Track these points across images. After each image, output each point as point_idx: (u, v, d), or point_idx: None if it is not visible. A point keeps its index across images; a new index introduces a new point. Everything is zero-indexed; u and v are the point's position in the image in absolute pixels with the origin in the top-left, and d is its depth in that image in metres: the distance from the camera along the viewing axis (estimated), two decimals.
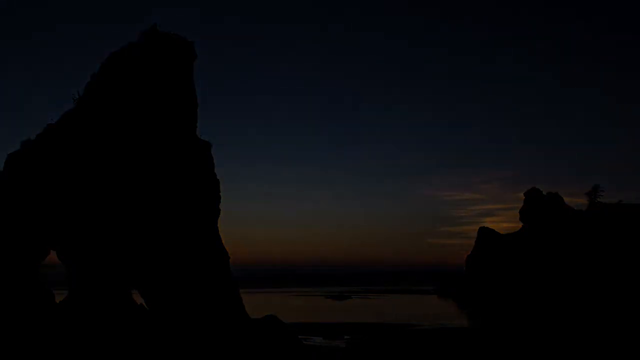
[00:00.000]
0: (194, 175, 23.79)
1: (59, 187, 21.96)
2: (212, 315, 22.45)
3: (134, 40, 24.09)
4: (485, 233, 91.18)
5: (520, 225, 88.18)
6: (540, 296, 68.04)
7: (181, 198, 23.10)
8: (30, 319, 20.32)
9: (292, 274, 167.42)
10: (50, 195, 21.87)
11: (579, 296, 63.94)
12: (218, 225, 24.95)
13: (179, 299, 22.40)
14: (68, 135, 22.65)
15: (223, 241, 24.89)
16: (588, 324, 40.95)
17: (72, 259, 22.71)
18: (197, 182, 23.84)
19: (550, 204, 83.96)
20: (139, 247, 22.30)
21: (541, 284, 73.07)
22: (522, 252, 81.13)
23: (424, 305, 72.35)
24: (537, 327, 39.80)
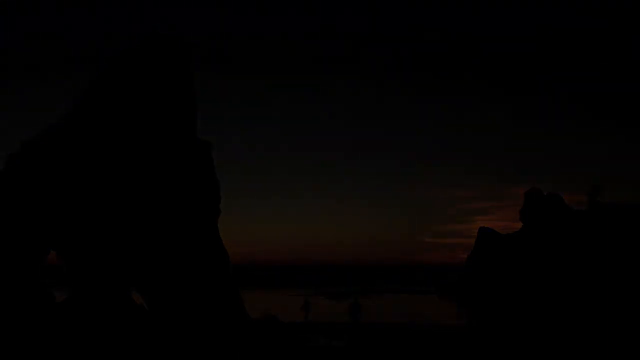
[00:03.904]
0: (194, 176, 23.81)
1: (59, 187, 21.97)
2: (212, 316, 22.46)
3: (134, 41, 24.15)
4: (485, 233, 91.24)
5: (516, 223, 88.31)
6: (541, 296, 68.06)
7: (181, 198, 23.11)
8: (30, 319, 20.33)
9: (293, 273, 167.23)
10: (51, 195, 21.87)
11: (579, 296, 63.91)
12: (218, 225, 24.98)
13: (179, 299, 22.41)
14: (68, 135, 22.67)
15: (223, 241, 24.91)
16: (588, 323, 40.95)
17: (72, 259, 22.71)
18: (197, 182, 23.85)
19: (550, 204, 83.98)
20: (139, 247, 22.32)
21: (541, 284, 73.08)
22: (523, 251, 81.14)
23: (424, 305, 72.35)
24: (537, 327, 39.80)
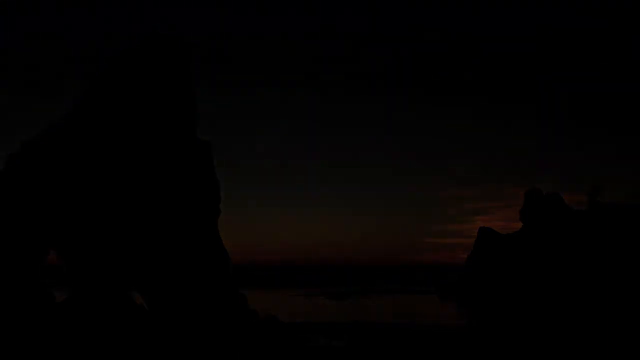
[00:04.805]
0: (194, 175, 23.81)
1: (59, 187, 21.98)
2: (212, 316, 22.47)
3: (134, 41, 24.19)
4: (485, 233, 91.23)
5: (516, 223, 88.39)
6: (541, 296, 68.11)
7: (181, 198, 23.11)
8: (30, 319, 20.33)
9: (292, 273, 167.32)
10: (51, 195, 21.88)
11: (579, 296, 63.99)
12: (218, 225, 24.99)
13: (179, 299, 22.42)
14: (68, 135, 22.68)
15: (223, 241, 24.93)
16: (588, 323, 40.97)
17: (72, 259, 22.72)
18: (197, 182, 23.86)
19: (550, 204, 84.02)
20: (139, 247, 22.32)
21: (542, 284, 73.13)
22: (523, 252, 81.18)
23: (424, 305, 72.36)
24: (538, 327, 39.82)
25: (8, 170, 22.22)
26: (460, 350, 28.92)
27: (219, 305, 22.99)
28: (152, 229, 22.36)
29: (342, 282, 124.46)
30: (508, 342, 32.03)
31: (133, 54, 23.71)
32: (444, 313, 58.45)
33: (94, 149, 22.44)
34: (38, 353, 19.35)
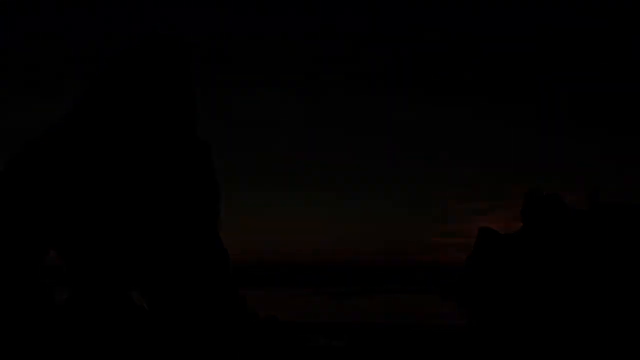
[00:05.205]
0: (194, 176, 23.83)
1: (59, 187, 21.98)
2: (212, 316, 22.48)
3: (134, 41, 24.19)
4: (485, 233, 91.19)
5: (516, 223, 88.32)
6: (541, 296, 68.10)
7: (181, 198, 23.12)
8: (30, 319, 20.34)
9: (292, 273, 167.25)
10: (51, 195, 21.88)
11: (579, 296, 63.98)
12: (218, 224, 25.00)
13: (179, 300, 22.43)
14: (69, 135, 22.68)
15: (223, 241, 24.93)
16: (588, 324, 40.98)
17: (72, 259, 22.73)
18: (197, 183, 23.87)
19: (550, 204, 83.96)
20: (139, 247, 22.33)
21: (542, 284, 73.11)
22: (523, 252, 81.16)
23: (424, 305, 72.40)
24: (538, 327, 39.83)
25: (8, 170, 22.22)
26: (460, 350, 28.94)
27: (219, 305, 23.00)
28: (152, 229, 22.37)
29: (342, 282, 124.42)
30: (508, 342, 32.04)
31: (133, 54, 23.72)
32: (444, 313, 58.48)
33: (94, 149, 22.45)
34: (38, 353, 19.36)
